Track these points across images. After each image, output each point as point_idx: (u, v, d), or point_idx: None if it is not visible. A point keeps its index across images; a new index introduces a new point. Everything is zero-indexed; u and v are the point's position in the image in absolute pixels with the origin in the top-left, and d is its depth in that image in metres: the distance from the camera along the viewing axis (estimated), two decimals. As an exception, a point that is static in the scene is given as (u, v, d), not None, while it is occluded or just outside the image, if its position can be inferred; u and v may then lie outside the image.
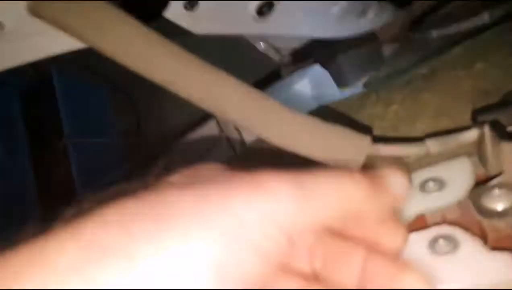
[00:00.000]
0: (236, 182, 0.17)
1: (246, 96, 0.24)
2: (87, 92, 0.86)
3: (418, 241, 0.29)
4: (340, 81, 0.69)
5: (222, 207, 0.16)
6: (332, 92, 0.68)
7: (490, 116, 0.30)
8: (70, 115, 0.81)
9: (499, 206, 0.27)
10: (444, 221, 0.30)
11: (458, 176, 0.31)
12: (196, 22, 0.35)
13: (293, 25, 0.47)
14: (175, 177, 0.18)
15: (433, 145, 0.31)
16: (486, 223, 0.28)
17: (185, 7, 0.33)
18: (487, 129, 0.29)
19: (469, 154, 0.32)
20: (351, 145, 0.26)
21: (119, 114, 0.83)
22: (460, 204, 0.31)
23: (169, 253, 0.15)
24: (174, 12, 0.34)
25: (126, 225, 0.15)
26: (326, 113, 0.45)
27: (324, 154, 0.25)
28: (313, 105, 0.64)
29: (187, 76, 0.21)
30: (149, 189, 0.16)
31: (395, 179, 0.20)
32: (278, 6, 0.41)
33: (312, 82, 0.64)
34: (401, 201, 0.21)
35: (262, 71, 0.66)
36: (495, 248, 0.27)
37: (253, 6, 0.39)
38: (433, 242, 0.28)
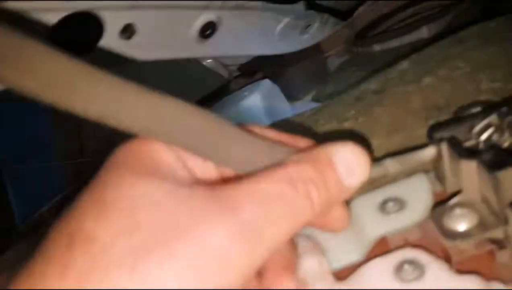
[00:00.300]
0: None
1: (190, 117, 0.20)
2: (22, 111, 0.80)
3: (383, 268, 0.28)
4: (290, 95, 0.68)
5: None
6: (282, 106, 0.67)
7: (446, 133, 0.29)
8: (4, 138, 0.74)
9: (461, 227, 0.27)
10: (406, 244, 0.29)
11: (418, 195, 0.31)
12: (136, 50, 0.32)
13: (237, 44, 0.46)
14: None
15: (392, 165, 0.30)
16: (449, 244, 0.27)
17: (120, 37, 0.31)
18: (444, 146, 0.28)
19: (426, 171, 0.32)
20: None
21: (60, 133, 0.77)
22: (421, 225, 0.30)
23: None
24: (110, 43, 0.31)
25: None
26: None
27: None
28: (265, 119, 0.63)
29: (124, 106, 0.18)
30: None
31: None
32: (221, 28, 0.39)
33: (262, 96, 0.63)
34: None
35: (211, 86, 0.64)
36: (459, 270, 0.26)
37: (195, 28, 0.37)
38: (398, 269, 0.27)
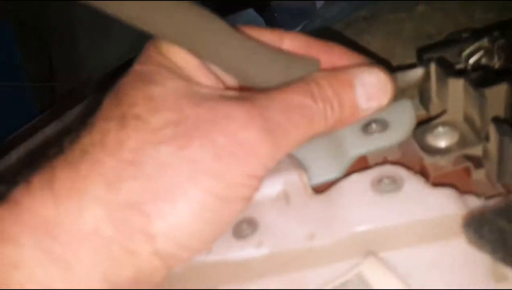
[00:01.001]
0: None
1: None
2: None
3: (361, 181, 0.28)
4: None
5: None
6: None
7: (435, 54, 0.29)
8: None
9: (442, 143, 0.27)
10: (385, 162, 0.30)
11: (401, 117, 0.31)
12: None
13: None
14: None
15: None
16: (428, 161, 0.27)
17: None
18: (433, 66, 0.28)
19: (411, 97, 0.32)
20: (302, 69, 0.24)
21: (28, 55, 0.74)
22: (401, 145, 0.30)
23: None
24: None
25: None
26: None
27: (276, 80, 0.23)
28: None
29: None
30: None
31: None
32: None
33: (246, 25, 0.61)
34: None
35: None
36: (436, 185, 0.27)
37: None
38: (376, 182, 0.27)
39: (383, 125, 0.31)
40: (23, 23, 0.74)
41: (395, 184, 0.27)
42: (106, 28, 0.76)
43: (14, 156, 0.50)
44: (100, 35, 0.77)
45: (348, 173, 0.30)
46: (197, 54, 0.23)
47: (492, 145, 0.25)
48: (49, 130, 0.53)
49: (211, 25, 0.22)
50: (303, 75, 0.24)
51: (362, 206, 0.26)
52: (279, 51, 0.24)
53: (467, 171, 0.27)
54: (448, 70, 0.27)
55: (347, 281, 0.24)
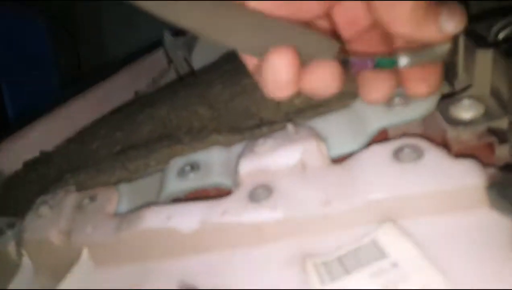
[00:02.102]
0: None
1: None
2: (21, 26, 0.78)
3: (382, 150, 0.27)
4: None
5: None
6: None
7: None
8: (3, 50, 0.73)
9: (466, 115, 0.26)
10: (407, 135, 0.29)
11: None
12: None
13: None
14: None
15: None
16: (451, 133, 0.27)
17: None
18: (462, 38, 0.28)
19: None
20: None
21: (58, 48, 0.76)
22: (424, 120, 0.30)
23: None
24: None
25: None
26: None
27: None
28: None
29: None
30: None
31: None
32: None
33: None
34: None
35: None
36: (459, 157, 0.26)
37: None
38: (397, 152, 0.27)
39: (406, 98, 0.30)
40: (53, 17, 0.76)
41: (416, 153, 0.26)
42: (129, 21, 0.78)
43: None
44: (124, 26, 0.79)
45: (370, 143, 0.30)
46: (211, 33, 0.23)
47: (519, 116, 0.24)
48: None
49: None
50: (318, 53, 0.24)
51: (381, 174, 0.26)
52: (296, 28, 0.24)
53: (490, 147, 0.26)
54: (478, 41, 0.27)
55: (361, 247, 0.24)
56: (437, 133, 0.28)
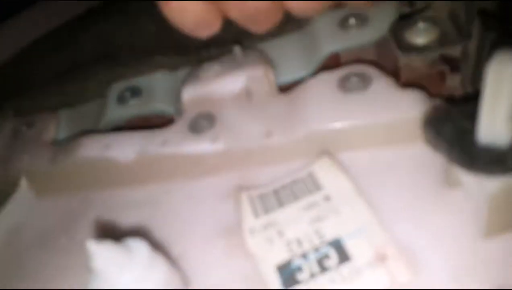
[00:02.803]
0: None
1: None
2: None
3: (329, 80, 0.26)
4: None
5: None
6: None
7: None
8: None
9: (420, 40, 0.24)
10: (359, 61, 0.27)
11: (381, 13, 0.28)
12: None
13: None
14: None
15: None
16: (402, 60, 0.25)
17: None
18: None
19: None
20: None
21: None
22: (378, 44, 0.28)
23: None
24: None
25: None
26: None
27: None
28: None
29: None
30: None
31: None
32: None
33: None
34: None
35: None
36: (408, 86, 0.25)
37: None
38: (343, 80, 0.25)
39: (362, 20, 0.28)
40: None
41: (363, 82, 0.25)
42: None
43: None
44: None
45: (319, 69, 0.28)
46: None
47: (473, 42, 0.22)
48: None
49: None
50: None
51: (323, 105, 0.25)
52: None
53: (442, 76, 0.25)
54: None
55: (297, 180, 0.23)
56: (389, 59, 0.26)
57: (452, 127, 0.19)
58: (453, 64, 0.24)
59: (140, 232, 0.23)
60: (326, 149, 0.24)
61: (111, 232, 0.23)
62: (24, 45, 0.45)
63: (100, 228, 0.24)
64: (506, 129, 0.17)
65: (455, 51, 0.24)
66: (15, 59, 0.45)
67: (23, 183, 0.30)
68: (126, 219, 0.25)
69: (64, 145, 0.30)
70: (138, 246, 0.17)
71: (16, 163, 0.30)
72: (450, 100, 0.22)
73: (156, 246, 0.19)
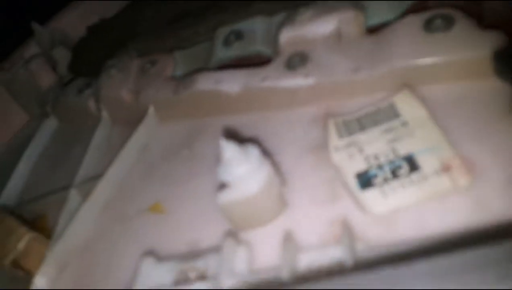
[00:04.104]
0: None
1: None
2: None
3: (414, 21, 0.29)
4: None
5: None
6: None
7: None
8: None
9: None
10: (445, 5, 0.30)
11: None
12: None
13: None
14: None
15: None
16: (486, 3, 0.27)
17: None
18: None
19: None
20: None
21: None
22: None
23: None
24: None
25: None
26: None
27: None
28: None
29: None
30: None
31: None
32: None
33: None
34: None
35: None
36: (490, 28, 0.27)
37: None
38: (428, 22, 0.28)
39: (450, -34, 0.30)
40: None
41: (446, 23, 0.27)
42: None
43: None
44: None
45: (406, 13, 0.31)
46: None
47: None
48: None
49: None
50: None
51: (408, 43, 0.28)
52: None
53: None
54: None
55: (379, 108, 0.27)
56: (475, 3, 0.28)
57: None
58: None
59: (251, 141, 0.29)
60: (407, 83, 0.28)
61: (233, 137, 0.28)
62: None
63: (224, 133, 0.30)
64: None
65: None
66: (131, 4, 0.53)
67: (151, 110, 0.37)
68: (236, 136, 0.31)
69: (182, 80, 0.36)
70: (253, 149, 0.23)
71: (145, 94, 0.38)
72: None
73: (262, 152, 0.24)
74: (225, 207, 0.22)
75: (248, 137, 0.30)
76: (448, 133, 0.24)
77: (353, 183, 0.24)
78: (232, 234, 0.24)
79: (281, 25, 0.34)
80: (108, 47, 0.47)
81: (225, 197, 0.22)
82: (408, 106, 0.26)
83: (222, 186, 0.22)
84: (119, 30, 0.49)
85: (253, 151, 0.22)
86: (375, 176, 0.23)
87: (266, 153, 0.27)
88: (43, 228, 0.30)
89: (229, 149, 0.21)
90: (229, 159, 0.21)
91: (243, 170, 0.22)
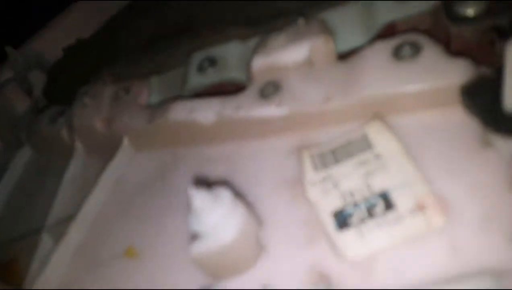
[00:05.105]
0: None
1: None
2: None
3: (382, 48, 0.29)
4: None
5: None
6: None
7: None
8: None
9: (470, 12, 0.26)
10: (414, 30, 0.30)
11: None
12: None
13: None
14: None
15: None
16: (453, 30, 0.27)
17: None
18: None
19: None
20: None
21: None
22: (433, 14, 0.30)
23: None
24: None
25: None
26: None
27: None
28: None
29: None
30: None
31: None
32: None
33: None
34: None
35: None
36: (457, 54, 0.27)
37: None
38: (397, 49, 0.28)
39: (417, -10, 0.30)
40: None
41: (414, 50, 0.27)
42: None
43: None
44: None
45: (376, 38, 0.31)
46: None
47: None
48: None
49: None
50: None
51: (378, 72, 0.28)
52: None
53: (492, 45, 0.27)
54: None
55: (352, 140, 0.27)
56: (441, 29, 0.28)
57: (486, 95, 0.21)
58: (502, 33, 0.26)
59: (222, 183, 0.28)
60: (378, 112, 0.28)
61: (202, 182, 0.28)
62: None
63: (193, 179, 0.30)
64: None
65: (504, 20, 0.26)
66: (107, 25, 0.52)
67: (125, 142, 0.36)
68: (209, 172, 0.30)
69: (157, 109, 0.36)
70: (224, 193, 0.22)
71: (119, 124, 0.37)
72: (497, 68, 0.25)
73: (235, 193, 0.24)
74: (198, 259, 0.22)
75: (222, 171, 0.30)
76: (421, 165, 0.24)
77: (330, 223, 0.23)
78: (207, 284, 0.24)
79: (253, 52, 0.34)
80: (83, 71, 0.46)
81: (198, 248, 0.22)
82: (380, 137, 0.26)
83: (194, 236, 0.22)
84: (95, 52, 0.48)
85: (225, 196, 0.22)
86: (351, 215, 0.23)
87: (240, 192, 0.27)
88: (14, 272, 0.29)
89: (199, 198, 0.21)
90: (199, 208, 0.21)
91: (215, 218, 0.21)
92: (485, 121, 0.21)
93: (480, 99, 0.21)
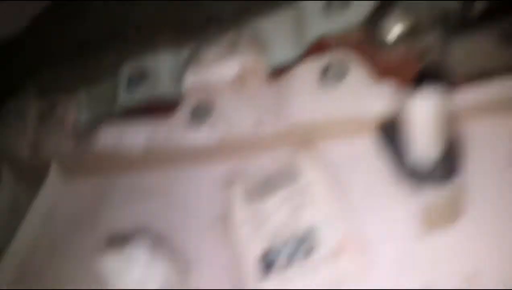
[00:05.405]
0: None
1: None
2: None
3: (310, 70, 0.28)
4: None
5: None
6: None
7: None
8: None
9: (395, 31, 0.25)
10: (343, 45, 0.29)
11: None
12: None
13: None
14: None
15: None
16: (376, 53, 0.26)
17: None
18: None
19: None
20: None
21: None
22: (363, 29, 0.28)
23: None
24: None
25: None
26: None
27: None
28: None
29: None
30: None
31: None
32: None
33: None
34: None
35: None
36: (383, 75, 0.26)
37: None
38: (324, 71, 0.27)
39: (345, 2, 0.29)
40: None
41: (340, 74, 0.27)
42: None
43: None
44: None
45: (307, 53, 0.30)
46: None
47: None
48: None
49: None
50: None
51: (306, 96, 0.27)
52: None
53: (417, 60, 0.26)
54: None
55: (281, 171, 0.26)
56: (367, 48, 0.27)
57: (397, 141, 0.21)
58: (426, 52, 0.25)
59: (145, 224, 0.27)
60: (309, 138, 0.27)
61: (118, 238, 0.26)
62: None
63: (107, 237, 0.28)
64: (429, 153, 0.19)
65: (429, 40, 0.25)
66: (33, 27, 0.48)
67: (53, 170, 0.34)
68: (132, 209, 0.29)
69: (84, 133, 0.34)
70: (139, 250, 0.21)
71: (45, 149, 0.35)
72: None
73: (158, 236, 0.23)
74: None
75: (150, 206, 0.29)
76: (346, 196, 0.24)
77: (254, 269, 0.23)
78: None
79: (186, 67, 0.32)
80: (9, 79, 0.42)
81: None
82: (308, 166, 0.26)
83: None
84: (20, 59, 0.44)
85: (140, 254, 0.21)
86: (277, 257, 0.23)
87: (165, 234, 0.26)
88: None
89: (109, 267, 0.20)
90: (111, 277, 0.20)
91: (132, 280, 0.20)
92: (394, 166, 0.21)
93: (391, 144, 0.21)
